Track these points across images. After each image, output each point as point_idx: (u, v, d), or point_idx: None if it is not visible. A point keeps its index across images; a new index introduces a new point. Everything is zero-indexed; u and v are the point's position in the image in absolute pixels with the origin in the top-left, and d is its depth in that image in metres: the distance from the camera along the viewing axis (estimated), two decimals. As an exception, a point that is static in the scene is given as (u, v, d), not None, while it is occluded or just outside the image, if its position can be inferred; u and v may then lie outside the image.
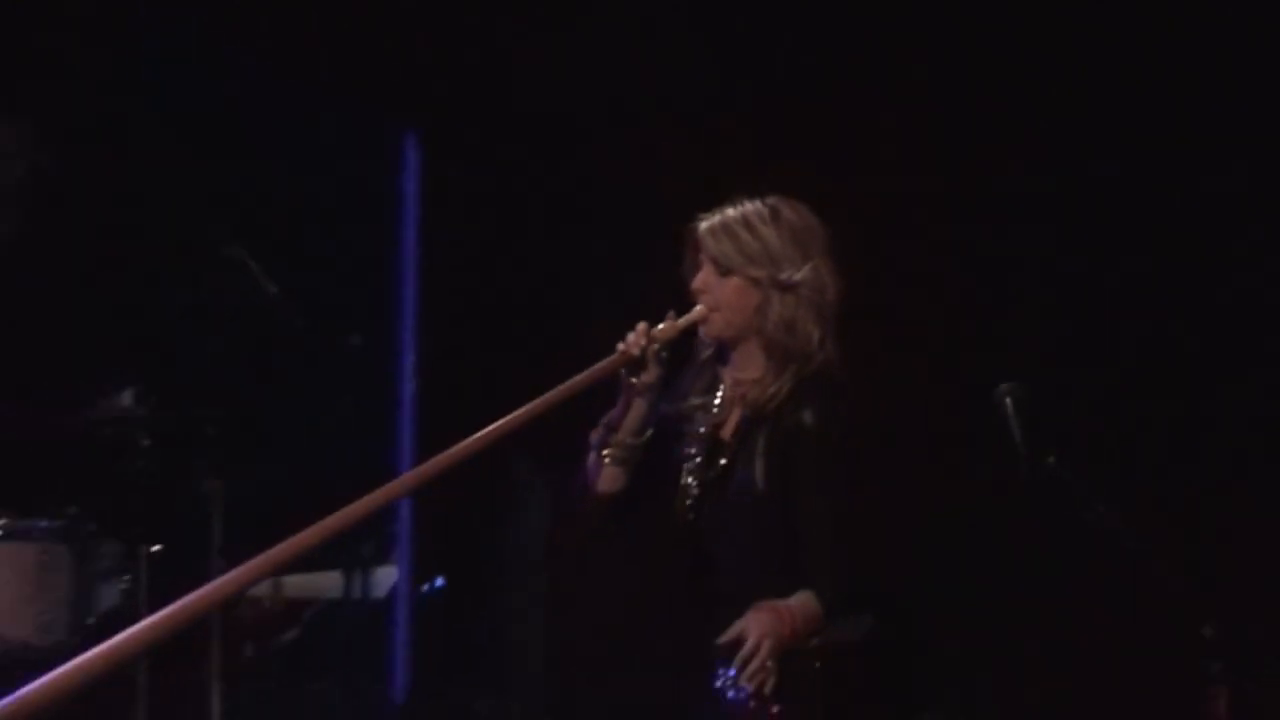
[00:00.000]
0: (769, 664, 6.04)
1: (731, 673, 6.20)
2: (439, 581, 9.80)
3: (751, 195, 6.46)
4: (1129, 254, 9.95)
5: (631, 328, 6.21)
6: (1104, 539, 6.29)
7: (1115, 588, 6.92)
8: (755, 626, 6.06)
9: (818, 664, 6.29)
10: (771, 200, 6.44)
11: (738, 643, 6.13)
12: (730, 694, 6.26)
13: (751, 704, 6.25)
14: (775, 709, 6.26)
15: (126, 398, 8.63)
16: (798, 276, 6.33)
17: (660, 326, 6.27)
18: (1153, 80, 9.99)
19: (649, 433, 6.38)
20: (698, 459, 6.39)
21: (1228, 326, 9.76)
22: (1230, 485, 9.51)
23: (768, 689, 6.11)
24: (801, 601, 6.13)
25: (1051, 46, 10.12)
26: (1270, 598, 9.19)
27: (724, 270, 6.34)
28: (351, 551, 9.52)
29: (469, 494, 8.97)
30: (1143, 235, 10.01)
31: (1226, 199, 9.97)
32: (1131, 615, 7.08)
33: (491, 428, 6.24)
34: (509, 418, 6.32)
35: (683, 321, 6.32)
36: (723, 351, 6.44)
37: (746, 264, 6.34)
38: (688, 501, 6.40)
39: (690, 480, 6.40)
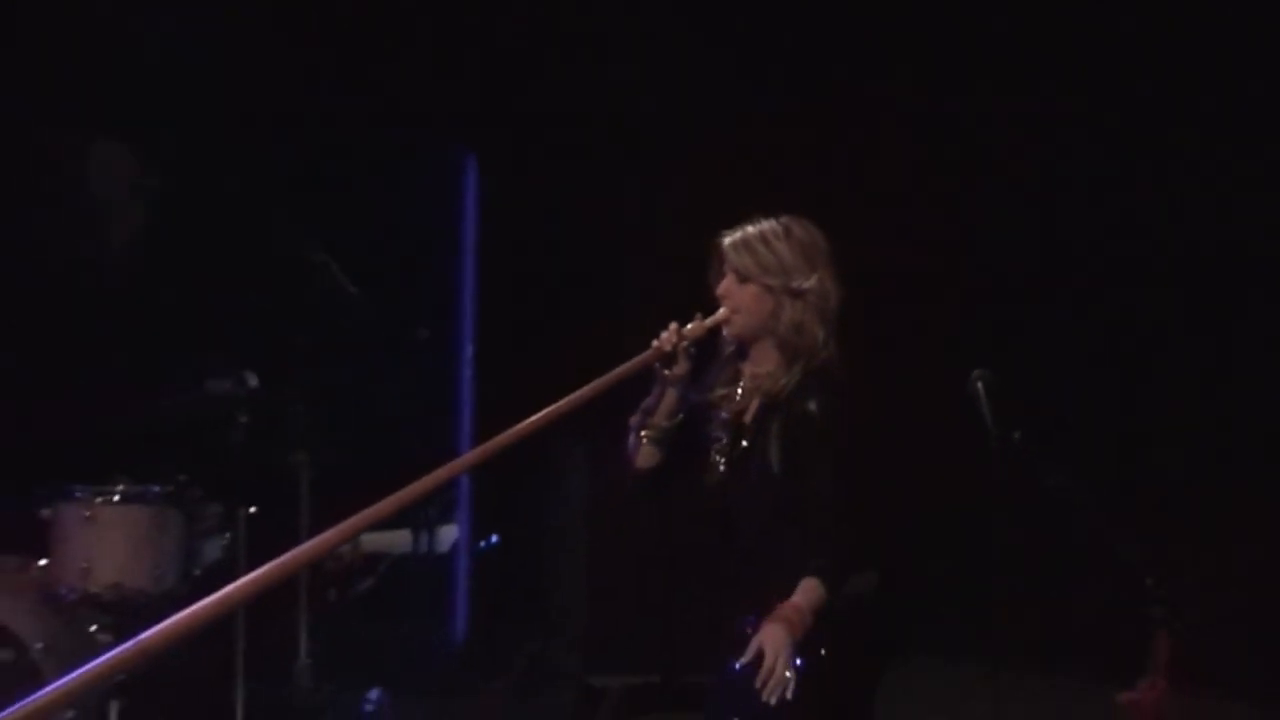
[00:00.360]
0: (787, 674, 6.08)
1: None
2: (493, 539, 9.86)
3: (768, 214, 6.50)
4: (1075, 258, 10.04)
5: (664, 327, 6.22)
6: (1060, 506, 6.36)
7: (1071, 544, 6.85)
8: (771, 644, 6.09)
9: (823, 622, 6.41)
10: (784, 219, 6.44)
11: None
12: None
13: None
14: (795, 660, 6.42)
15: (228, 382, 8.72)
16: (806, 285, 6.36)
17: (689, 326, 6.28)
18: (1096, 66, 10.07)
19: (680, 417, 6.43)
20: (723, 441, 6.44)
21: (1160, 324, 9.87)
22: (1168, 458, 9.61)
23: (789, 695, 6.13)
24: (806, 593, 6.17)
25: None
26: (1201, 552, 9.27)
27: (743, 279, 6.37)
28: (418, 513, 9.61)
29: (520, 464, 8.93)
30: (1089, 238, 10.10)
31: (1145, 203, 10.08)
32: (1085, 568, 7.02)
33: (543, 413, 6.32)
34: (558, 404, 6.41)
35: (709, 322, 6.33)
36: (742, 348, 6.45)
37: (763, 274, 6.36)
38: (716, 477, 6.47)
39: (718, 459, 6.44)
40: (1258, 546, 9.05)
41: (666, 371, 6.30)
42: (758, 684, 6.08)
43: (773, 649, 6.01)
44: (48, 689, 6.86)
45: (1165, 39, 10.08)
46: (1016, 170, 10.36)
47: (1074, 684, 7.80)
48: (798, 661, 6.12)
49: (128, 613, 7.88)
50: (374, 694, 8.29)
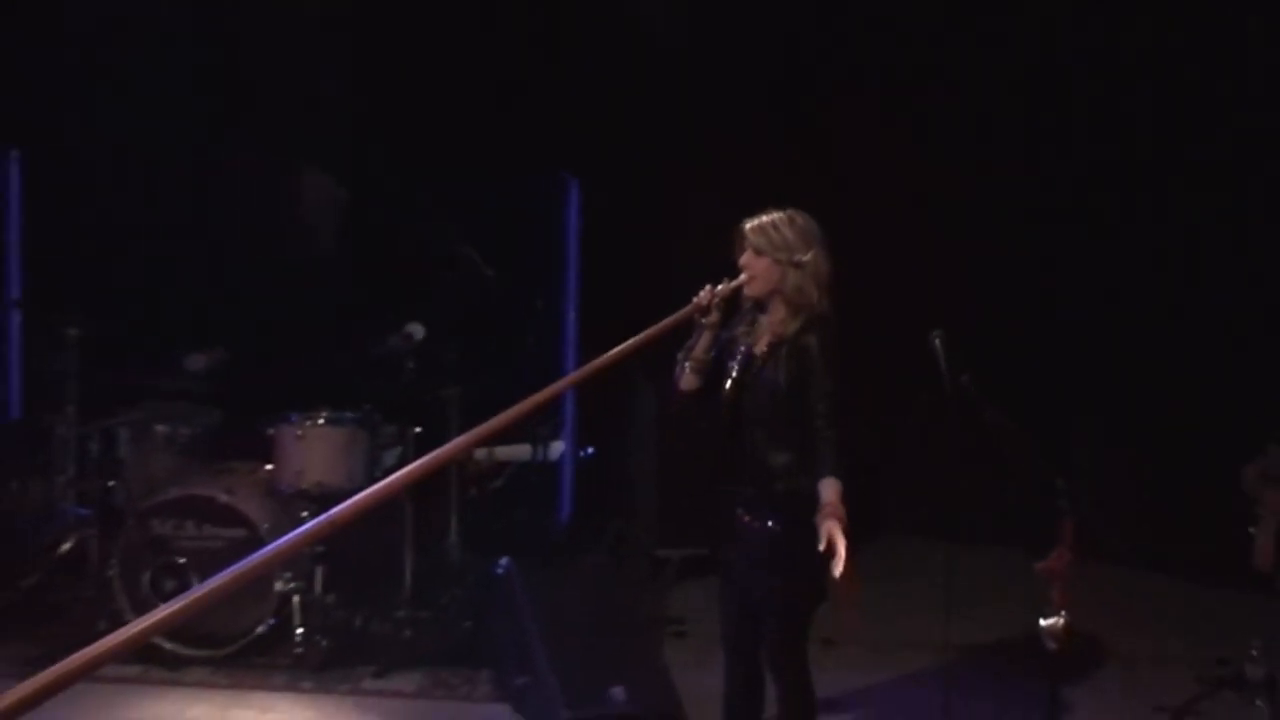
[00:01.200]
0: (841, 547, 6.15)
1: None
2: (589, 450, 9.90)
3: (779, 207, 6.57)
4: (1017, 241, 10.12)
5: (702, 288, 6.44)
6: (995, 430, 6.52)
7: (1003, 458, 6.92)
8: (835, 534, 6.19)
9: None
10: (789, 211, 6.57)
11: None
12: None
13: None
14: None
15: (401, 338, 8.79)
16: (804, 259, 6.48)
17: (720, 287, 6.44)
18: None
19: (712, 353, 6.56)
20: (740, 366, 6.58)
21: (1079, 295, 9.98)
22: (1070, 398, 9.74)
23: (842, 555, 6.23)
24: (834, 489, 6.27)
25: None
26: (1093, 459, 9.39)
27: (759, 254, 6.49)
28: (535, 431, 9.48)
29: (606, 394, 9.19)
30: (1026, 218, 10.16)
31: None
32: (1011, 475, 7.08)
33: (616, 350, 6.56)
34: (630, 341, 6.65)
35: (734, 284, 6.48)
36: (758, 304, 6.55)
37: (773, 250, 6.48)
38: (732, 394, 6.58)
39: (735, 377, 6.60)
40: (1131, 454, 9.17)
41: (703, 320, 6.46)
42: (834, 571, 6.19)
43: (839, 538, 6.12)
44: (267, 548, 7.15)
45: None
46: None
47: (1004, 555, 7.79)
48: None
49: (328, 504, 7.76)
50: (503, 561, 8.14)
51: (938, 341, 6.53)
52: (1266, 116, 9.47)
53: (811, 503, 6.35)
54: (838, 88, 10.46)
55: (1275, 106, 9.46)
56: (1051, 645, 6.25)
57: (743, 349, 6.64)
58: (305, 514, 8.13)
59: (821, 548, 6.16)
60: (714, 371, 6.66)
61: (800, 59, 10.39)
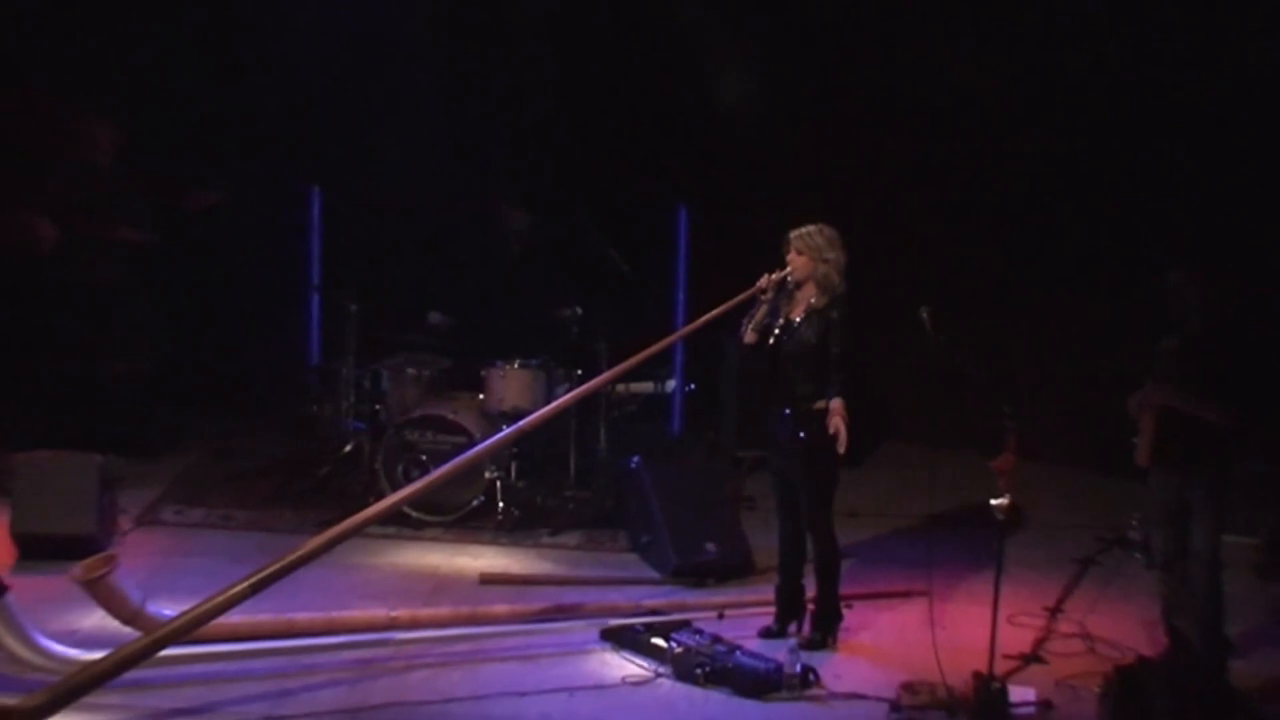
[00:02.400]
0: (844, 433, 6.34)
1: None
2: (691, 385, 9.77)
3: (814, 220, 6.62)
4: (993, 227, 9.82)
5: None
6: (965, 373, 6.38)
7: (968, 390, 6.75)
8: (840, 427, 6.38)
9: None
10: (820, 225, 6.61)
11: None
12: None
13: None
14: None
15: (569, 310, 8.80)
16: (831, 256, 6.61)
17: (774, 275, 6.55)
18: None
19: (768, 319, 6.62)
20: (781, 325, 6.63)
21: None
22: (1015, 345, 9.54)
23: (841, 449, 6.38)
24: (838, 403, 6.41)
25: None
26: (1034, 380, 9.20)
27: (799, 253, 6.57)
28: (655, 372, 9.48)
29: (701, 346, 9.09)
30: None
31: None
32: (974, 401, 6.94)
33: (707, 315, 6.69)
34: (714, 311, 6.80)
35: (783, 273, 6.57)
36: (798, 285, 6.61)
37: (810, 251, 6.58)
38: (774, 346, 6.65)
39: (777, 333, 6.65)
40: (1056, 383, 9.01)
41: (762, 295, 6.53)
42: (839, 448, 6.41)
43: (843, 425, 6.35)
44: (479, 447, 7.14)
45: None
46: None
47: (969, 456, 7.63)
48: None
49: (519, 419, 7.57)
50: (635, 459, 8.20)
51: (925, 313, 6.32)
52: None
53: (824, 417, 6.44)
54: (855, 118, 10.05)
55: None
56: (1000, 516, 6.17)
57: (784, 316, 6.67)
58: (504, 426, 8.00)
59: (832, 433, 6.35)
60: (765, 330, 6.68)
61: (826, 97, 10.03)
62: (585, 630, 6.86)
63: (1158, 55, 9.03)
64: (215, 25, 9.68)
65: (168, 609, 6.27)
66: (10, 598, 6.12)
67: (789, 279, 6.59)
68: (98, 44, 9.49)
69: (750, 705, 6.13)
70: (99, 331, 9.01)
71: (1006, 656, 6.45)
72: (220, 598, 5.93)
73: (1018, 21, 9.40)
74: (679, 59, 9.75)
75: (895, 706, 6.09)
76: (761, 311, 6.63)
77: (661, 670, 6.38)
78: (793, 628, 6.80)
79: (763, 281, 6.58)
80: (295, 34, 9.45)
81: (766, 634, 6.84)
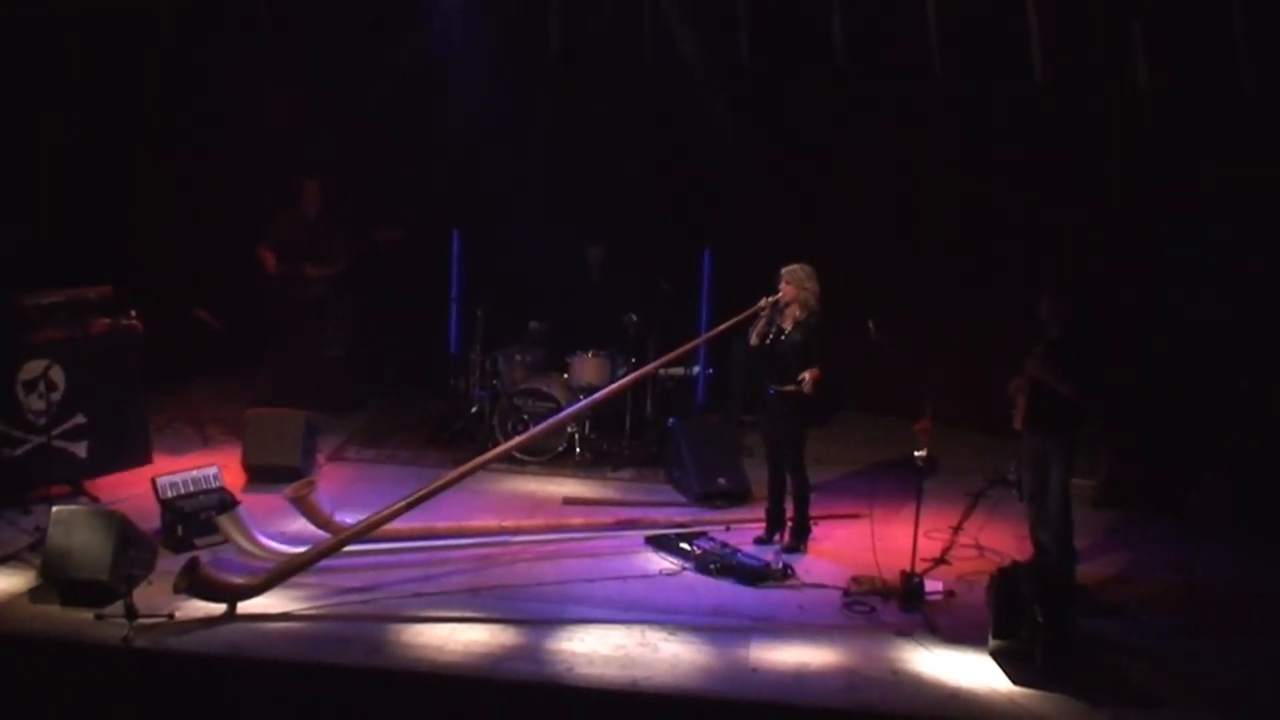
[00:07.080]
0: (812, 387, 6.22)
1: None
2: (710, 370, 9.34)
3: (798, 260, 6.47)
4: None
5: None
6: (897, 361, 6.26)
7: (899, 373, 6.35)
8: (813, 386, 6.32)
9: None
10: (801, 264, 6.48)
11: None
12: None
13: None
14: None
15: (627, 317, 8.56)
16: (809, 286, 6.52)
17: (770, 298, 6.44)
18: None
19: (766, 329, 6.52)
20: (775, 334, 6.50)
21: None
22: (930, 335, 9.03)
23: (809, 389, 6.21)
24: (810, 372, 6.31)
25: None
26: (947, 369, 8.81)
27: (788, 283, 6.48)
28: (687, 361, 8.84)
29: (718, 345, 8.55)
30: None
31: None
32: (901, 381, 6.53)
33: (722, 325, 6.57)
34: (727, 323, 6.63)
35: (776, 297, 6.48)
36: (787, 305, 6.49)
37: (795, 282, 6.49)
38: (767, 346, 6.54)
39: (770, 336, 6.54)
40: (963, 364, 8.33)
41: (762, 313, 6.40)
42: (807, 389, 6.20)
43: (814, 389, 6.27)
44: (565, 412, 7.07)
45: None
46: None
47: (898, 420, 7.36)
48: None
49: (592, 393, 7.68)
50: (672, 419, 8.14)
51: (871, 324, 6.31)
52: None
53: (802, 394, 6.33)
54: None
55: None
56: (920, 464, 6.16)
57: (777, 326, 6.55)
58: (581, 397, 7.98)
59: (806, 389, 6.21)
60: (764, 336, 6.57)
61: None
62: (635, 537, 6.89)
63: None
64: (396, 106, 9.55)
65: (349, 518, 6.47)
66: (242, 509, 6.38)
67: (780, 301, 6.59)
68: (312, 117, 9.41)
69: (747, 591, 6.28)
70: (316, 329, 9.01)
71: (924, 559, 6.46)
72: (386, 511, 6.18)
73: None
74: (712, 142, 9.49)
75: (847, 592, 6.23)
76: (761, 323, 6.63)
77: (686, 565, 6.53)
78: (777, 537, 6.82)
79: (762, 302, 6.58)
80: (447, 120, 9.34)
81: (759, 541, 6.86)
